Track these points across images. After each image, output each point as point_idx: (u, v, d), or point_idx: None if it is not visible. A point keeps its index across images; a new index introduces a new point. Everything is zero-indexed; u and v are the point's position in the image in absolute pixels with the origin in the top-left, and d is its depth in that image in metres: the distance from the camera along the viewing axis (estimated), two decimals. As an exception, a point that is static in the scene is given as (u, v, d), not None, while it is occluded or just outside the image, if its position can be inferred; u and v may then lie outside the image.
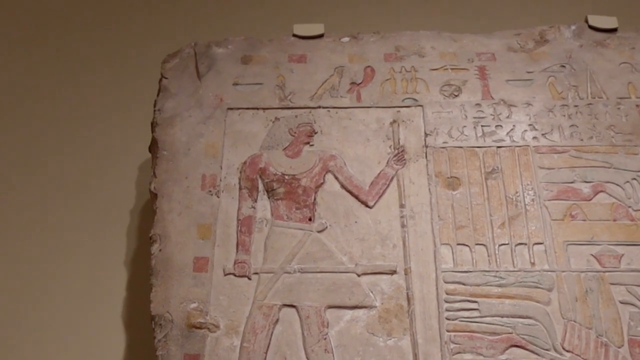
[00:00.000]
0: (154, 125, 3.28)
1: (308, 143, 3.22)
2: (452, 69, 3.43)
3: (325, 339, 2.83)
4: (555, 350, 2.82)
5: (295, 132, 3.24)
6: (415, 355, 2.82)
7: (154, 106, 3.33)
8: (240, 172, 3.16)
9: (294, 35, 3.55)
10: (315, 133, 3.25)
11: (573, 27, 3.55)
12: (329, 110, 3.32)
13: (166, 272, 2.94)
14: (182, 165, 3.16)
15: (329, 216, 3.07)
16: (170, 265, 2.95)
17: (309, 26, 3.54)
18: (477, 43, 3.51)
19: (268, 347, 2.83)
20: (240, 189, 3.12)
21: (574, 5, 4.11)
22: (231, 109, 3.32)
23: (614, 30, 3.53)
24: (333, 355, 2.82)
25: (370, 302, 2.90)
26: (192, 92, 3.37)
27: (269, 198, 3.10)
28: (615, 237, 3.02)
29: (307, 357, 2.83)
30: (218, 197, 3.10)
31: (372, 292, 2.93)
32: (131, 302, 3.39)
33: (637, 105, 3.31)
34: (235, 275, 2.96)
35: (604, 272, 2.96)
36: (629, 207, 3.08)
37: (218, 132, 3.25)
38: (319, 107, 3.33)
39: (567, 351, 2.83)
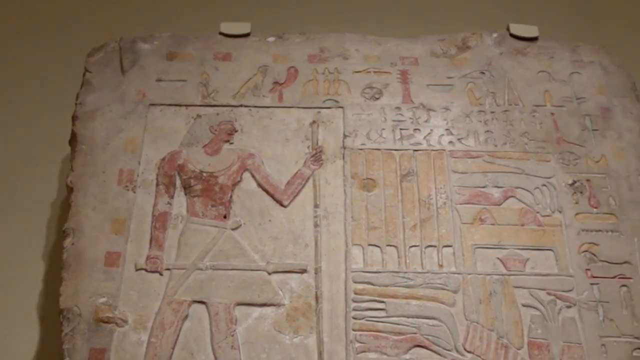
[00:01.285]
0: (74, 118, 3.30)
1: (228, 141, 3.26)
2: (374, 71, 3.48)
3: (232, 335, 2.87)
4: (457, 351, 2.89)
5: (216, 130, 3.27)
6: (320, 354, 2.86)
7: (76, 99, 3.34)
8: (159, 168, 3.19)
9: (221, 34, 3.58)
10: (236, 131, 3.29)
11: (495, 35, 3.61)
12: (250, 109, 3.35)
13: (77, 266, 2.96)
14: (100, 159, 3.19)
15: (244, 214, 3.11)
16: (82, 259, 2.98)
17: (236, 24, 3.58)
18: (401, 47, 3.56)
19: (175, 342, 2.87)
20: (157, 184, 3.15)
21: (498, 13, 4.18)
22: (153, 104, 3.34)
23: (534, 39, 3.60)
24: (239, 352, 2.86)
25: (279, 300, 2.95)
26: (114, 86, 3.39)
27: (185, 195, 3.13)
28: (522, 242, 3.10)
29: (213, 354, 2.86)
30: (134, 192, 3.12)
31: (281, 290, 2.98)
32: (46, 295, 3.41)
33: (552, 113, 3.38)
34: (146, 271, 2.99)
35: (508, 275, 3.03)
36: (537, 212, 3.16)
37: (138, 128, 3.28)
38: (241, 105, 3.36)
39: (468, 352, 2.90)
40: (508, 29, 3.60)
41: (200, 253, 3.01)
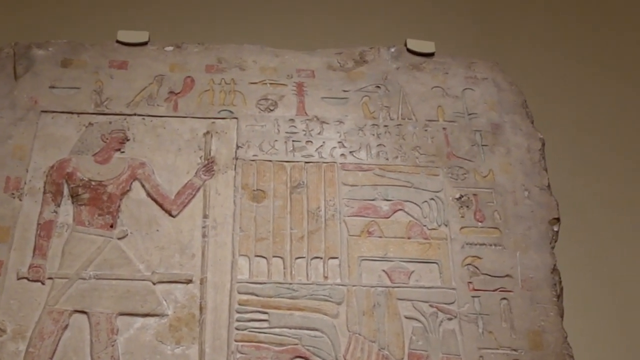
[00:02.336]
0: (-37, 124, 3.24)
1: (119, 150, 3.25)
2: (270, 83, 3.50)
3: (113, 346, 2.86)
4: (338, 362, 2.90)
5: (107, 139, 3.26)
6: (202, 364, 2.85)
7: (-33, 105, 3.29)
8: (47, 176, 3.16)
9: (118, 42, 3.55)
10: (128, 140, 3.28)
11: (392, 50, 3.66)
12: (144, 118, 3.35)
13: (-42, 274, 2.91)
14: (-14, 166, 3.14)
15: (131, 223, 3.11)
16: (-38, 267, 2.93)
17: (133, 33, 3.57)
18: (298, 59, 3.59)
19: (54, 352, 2.86)
20: (44, 192, 3.13)
21: (396, 28, 4.24)
22: (45, 111, 3.32)
23: (431, 55, 3.66)
24: (119, 362, 2.83)
25: (163, 311, 2.95)
26: (6, 92, 3.36)
27: (73, 203, 3.12)
28: (408, 254, 3.15)
29: (92, 364, 2.83)
30: (20, 200, 3.10)
31: (165, 300, 2.97)
32: None
33: (443, 128, 3.44)
34: (28, 280, 2.96)
35: (393, 287, 3.07)
36: (424, 225, 3.21)
37: (28, 135, 3.25)
38: (135, 114, 3.35)
39: (349, 363, 2.90)
40: (405, 44, 3.65)
41: (84, 262, 3.00)
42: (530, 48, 4.37)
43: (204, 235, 3.09)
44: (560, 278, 3.16)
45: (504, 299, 3.08)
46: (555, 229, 3.27)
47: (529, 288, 3.11)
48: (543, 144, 3.45)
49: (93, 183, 3.13)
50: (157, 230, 3.08)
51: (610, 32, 4.55)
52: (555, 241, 3.24)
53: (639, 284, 3.95)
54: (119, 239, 3.05)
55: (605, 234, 4.05)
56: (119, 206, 3.11)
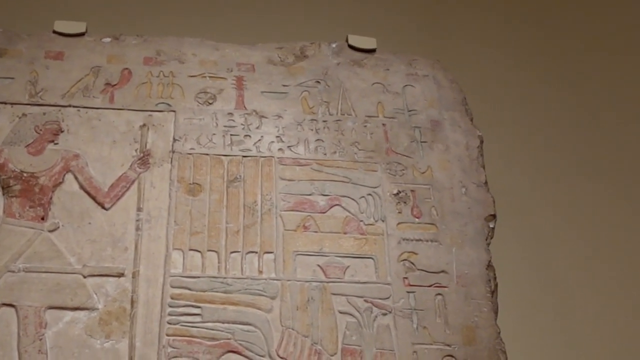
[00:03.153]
0: None
1: (53, 141, 3.20)
2: (210, 77, 3.47)
3: (40, 339, 2.81)
4: (270, 357, 2.91)
5: (41, 130, 3.21)
6: (131, 358, 2.86)
7: None
8: (-23, 168, 3.07)
9: (54, 32, 3.49)
10: (62, 132, 3.22)
11: (333, 45, 3.65)
12: (79, 110, 3.30)
13: None
14: None
15: (63, 216, 3.06)
16: None
17: (71, 23, 3.52)
18: (239, 53, 3.57)
19: (-20, 346, 2.76)
20: (-25, 184, 3.04)
21: (338, 24, 4.24)
22: (-22, 102, 3.23)
23: (372, 51, 3.66)
24: (47, 357, 2.82)
25: (93, 304, 2.90)
26: (-61, 81, 3.27)
27: (3, 195, 3.07)
28: (343, 250, 3.14)
29: (19, 358, 2.78)
30: (-52, 192, 3.01)
31: (96, 294, 2.93)
32: None
33: (383, 124, 3.44)
34: (-44, 272, 2.87)
35: (327, 282, 3.05)
36: (361, 221, 3.20)
37: (-42, 126, 3.16)
38: (70, 105, 3.31)
39: (282, 358, 2.92)
40: (347, 40, 3.64)
41: (13, 255, 2.95)
42: (471, 46, 4.40)
43: (137, 229, 3.05)
44: (494, 274, 3.17)
45: (439, 294, 3.09)
46: (491, 225, 3.28)
47: (464, 284, 3.12)
48: (481, 142, 3.47)
49: (25, 175, 3.08)
50: (90, 223, 3.04)
51: (549, 31, 4.59)
52: (491, 238, 3.26)
53: (572, 281, 3.98)
54: (50, 231, 3.00)
55: (540, 232, 4.09)
56: (51, 198, 3.06)
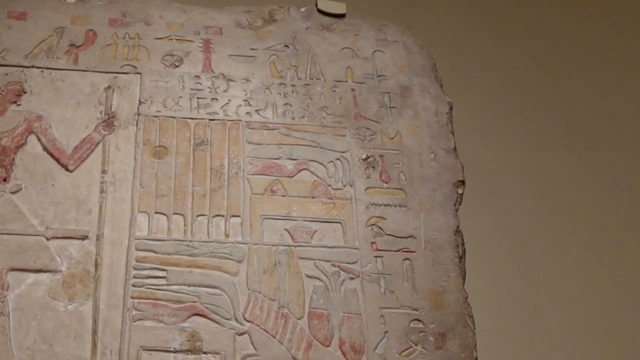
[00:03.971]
0: None
1: (15, 102, 3.12)
2: (177, 39, 3.42)
3: (2, 302, 2.77)
4: (236, 320, 2.87)
5: (3, 91, 3.15)
6: (95, 321, 2.80)
7: None
8: (-62, 128, 3.00)
9: (18, -10, 3.40)
10: (25, 93, 3.15)
11: (302, 10, 3.62)
12: (42, 71, 3.24)
13: None
14: None
15: (26, 178, 3.01)
16: None
17: (32, -17, 3.41)
18: (206, 16, 3.52)
19: (-61, 309, 2.71)
20: None
21: (308, -13, 4.19)
22: (-62, 62, 3.15)
23: (342, 16, 3.62)
24: (9, 319, 2.77)
25: (56, 267, 2.86)
26: None
27: (-36, 156, 2.97)
28: (311, 214, 3.11)
29: (-20, 320, 2.71)
30: None
31: (59, 256, 2.89)
32: None
33: (352, 89, 3.41)
34: None
35: (295, 246, 3.03)
36: (329, 185, 3.17)
37: None
38: (33, 66, 3.25)
39: (248, 321, 2.89)
40: (316, 4, 3.61)
41: (-26, 216, 2.85)
42: (441, 12, 4.39)
43: (102, 191, 3.01)
44: (463, 240, 3.17)
45: (407, 259, 3.08)
46: (460, 191, 3.28)
47: (432, 249, 3.11)
48: (451, 108, 3.46)
49: (-14, 136, 2.99)
50: (53, 185, 2.99)
51: (520, -2, 4.59)
52: (460, 203, 3.25)
53: (539, 247, 3.99)
54: (12, 192, 2.95)
55: (508, 198, 4.10)
56: (13, 160, 3.01)
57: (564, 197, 4.14)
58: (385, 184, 3.23)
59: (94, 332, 2.78)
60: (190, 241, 2.98)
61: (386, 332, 2.94)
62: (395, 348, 2.92)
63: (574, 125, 4.42)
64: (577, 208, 4.11)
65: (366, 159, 3.26)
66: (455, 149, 3.36)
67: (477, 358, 2.95)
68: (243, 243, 3.01)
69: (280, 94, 3.35)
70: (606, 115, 4.39)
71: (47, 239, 2.91)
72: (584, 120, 4.43)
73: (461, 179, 3.30)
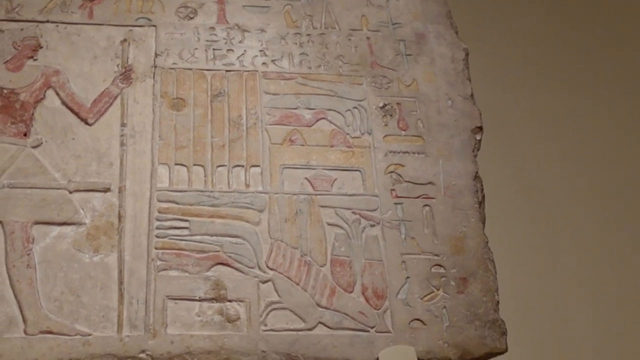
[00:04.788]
0: None
1: (32, 57, 3.12)
2: (190, -9, 3.38)
3: (28, 254, 2.78)
4: (260, 268, 2.89)
5: (19, 46, 3.14)
6: (121, 271, 2.83)
7: None
8: (-44, 85, 3.00)
9: (27, -55, 3.37)
10: (41, 47, 3.15)
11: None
12: (57, 25, 3.23)
13: None
14: None
15: (46, 132, 3.02)
16: None
17: (45, -62, 3.39)
18: (227, -33, 3.47)
19: (-33, 262, 2.74)
20: (-46, 101, 2.98)
21: None
22: (-47, 18, 3.14)
23: (355, -35, 3.57)
24: (35, 271, 2.78)
25: (80, 219, 2.87)
26: None
27: (-16, 112, 2.98)
28: (331, 162, 3.12)
29: (8, 273, 2.78)
30: None
31: (83, 209, 2.90)
32: None
33: (367, 38, 3.40)
34: (-61, 189, 2.82)
35: (315, 194, 3.03)
36: (347, 134, 3.18)
37: None
38: (48, 21, 3.23)
39: (271, 269, 2.90)
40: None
41: (-3, 171, 2.87)
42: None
43: (122, 144, 3.02)
44: (482, 185, 3.18)
45: (427, 205, 3.09)
46: (478, 137, 3.28)
47: (451, 195, 3.13)
48: (467, 54, 3.44)
49: (5, 91, 3.03)
50: (73, 139, 3.00)
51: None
52: (478, 149, 3.26)
53: (557, 191, 4.00)
54: (33, 147, 2.96)
55: (525, 143, 4.09)
56: (33, 115, 3.02)
57: (581, 140, 4.14)
58: (403, 132, 3.23)
59: (120, 282, 2.80)
60: (211, 192, 2.99)
61: (408, 277, 2.95)
62: (417, 293, 2.93)
63: (590, 69, 4.40)
64: (595, 151, 4.10)
65: (383, 107, 3.26)
66: (472, 95, 3.36)
67: (498, 301, 2.96)
68: (264, 192, 3.02)
69: (296, 43, 3.34)
70: (624, 59, 4.35)
71: (70, 192, 2.93)
72: (602, 64, 4.41)
73: (479, 125, 3.30)
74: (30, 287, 2.74)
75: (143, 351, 2.71)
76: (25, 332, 2.70)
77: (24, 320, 2.71)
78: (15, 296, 2.74)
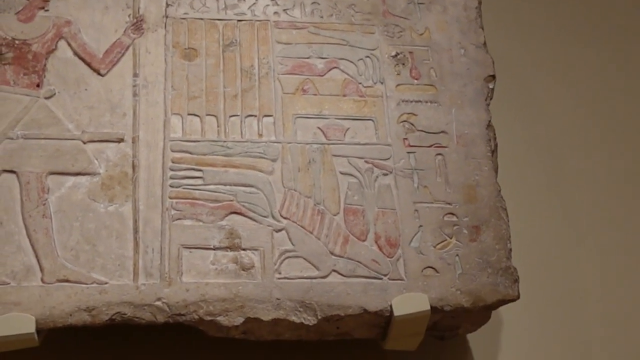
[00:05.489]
0: None
1: (43, 8, 3.11)
2: (200, -60, 3.35)
3: (44, 204, 2.81)
4: (273, 217, 2.90)
5: (30, -4, 3.11)
6: (136, 221, 2.84)
7: None
8: (-33, 36, 3.00)
9: None
10: (52, -2, 3.12)
11: None
12: (67, -25, 3.18)
13: None
14: None
15: (58, 83, 3.02)
16: None
17: None
18: None
19: (-18, 212, 2.76)
20: (-35, 52, 2.98)
21: None
22: (-38, -31, 3.12)
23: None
24: (51, 221, 2.80)
25: (94, 169, 2.89)
26: None
27: (-4, 63, 2.98)
28: (343, 112, 3.12)
29: (24, 223, 2.80)
30: (-59, 60, 2.95)
31: (97, 159, 2.93)
32: None
33: (379, -14, 3.34)
34: (-46, 141, 2.84)
35: (328, 144, 3.03)
36: (360, 83, 3.18)
37: (-54, -7, 3.07)
38: (59, -29, 3.18)
39: (285, 218, 2.92)
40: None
41: (10, 122, 2.92)
42: None
43: (134, 94, 3.02)
44: (494, 134, 3.17)
45: (439, 154, 3.09)
46: (491, 86, 3.27)
47: (464, 144, 3.12)
48: (479, 2, 3.43)
49: (17, 42, 3.02)
50: (86, 90, 3.01)
51: None
52: (491, 98, 3.25)
53: (570, 140, 3.99)
54: (46, 98, 2.96)
55: (538, 91, 4.07)
56: (45, 65, 3.02)
57: (595, 89, 4.12)
58: (415, 81, 3.22)
59: (135, 231, 2.82)
60: (225, 141, 3.00)
61: (421, 226, 2.96)
62: (430, 241, 2.95)
63: (607, 16, 4.35)
64: (609, 99, 4.08)
65: (396, 55, 3.25)
66: (485, 43, 3.34)
67: (511, 249, 2.97)
68: (276, 142, 3.03)
69: (307, -8, 3.30)
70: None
71: (84, 143, 2.94)
72: (619, 10, 4.35)
73: (492, 73, 3.29)
74: (46, 236, 2.76)
75: (159, 299, 2.73)
76: (42, 281, 2.72)
77: (41, 269, 2.73)
78: (32, 245, 2.75)
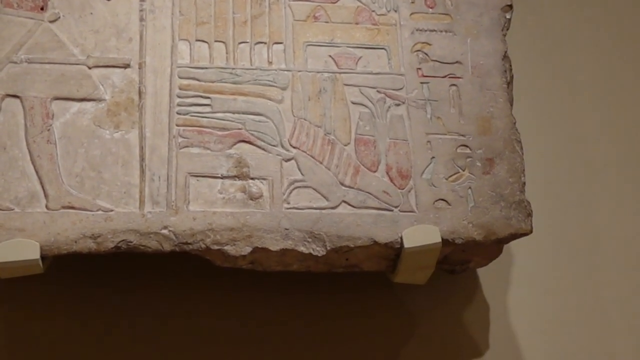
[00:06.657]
0: None
1: None
2: None
3: (48, 130, 2.75)
4: (282, 147, 2.84)
5: None
6: (142, 148, 2.79)
7: None
8: (-31, -44, 2.91)
9: None
10: None
11: None
12: None
13: None
14: None
15: (63, 6, 2.95)
16: None
17: None
18: None
19: (-14, 135, 2.70)
20: (-33, -27, 2.89)
21: None
22: None
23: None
24: (56, 147, 2.75)
25: (100, 95, 2.82)
26: None
27: (-2, -16, 2.89)
28: (355, 40, 3.03)
29: (28, 148, 2.74)
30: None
31: (102, 85, 2.85)
32: None
33: None
34: (-47, 66, 2.77)
35: (339, 73, 2.96)
36: (373, 11, 3.09)
37: None
38: None
39: (294, 147, 2.86)
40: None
41: (14, 46, 2.84)
42: None
43: (141, 19, 2.93)
44: (510, 65, 3.09)
45: (454, 85, 3.01)
46: (508, 16, 3.18)
47: (479, 75, 3.04)
48: None
49: (20, -37, 2.90)
50: (91, 14, 2.93)
51: None
52: (507, 29, 3.16)
53: (587, 73, 3.90)
54: (50, 21, 2.88)
55: (556, 22, 3.96)
56: (49, -12, 2.90)
57: (615, 22, 4.01)
58: (430, 9, 3.13)
59: (142, 159, 2.77)
60: (233, 69, 2.92)
61: (433, 157, 2.90)
62: (442, 173, 2.88)
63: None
64: (629, 30, 3.96)
65: (410, -17, 3.13)
66: (502, -28, 3.21)
67: (524, 183, 2.91)
68: (287, 70, 2.95)
69: None
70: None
71: (89, 68, 2.88)
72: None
73: (509, 3, 3.20)
74: (51, 162, 2.71)
75: (165, 227, 2.68)
76: (47, 207, 2.67)
77: (46, 196, 2.68)
78: (37, 171, 2.71)
